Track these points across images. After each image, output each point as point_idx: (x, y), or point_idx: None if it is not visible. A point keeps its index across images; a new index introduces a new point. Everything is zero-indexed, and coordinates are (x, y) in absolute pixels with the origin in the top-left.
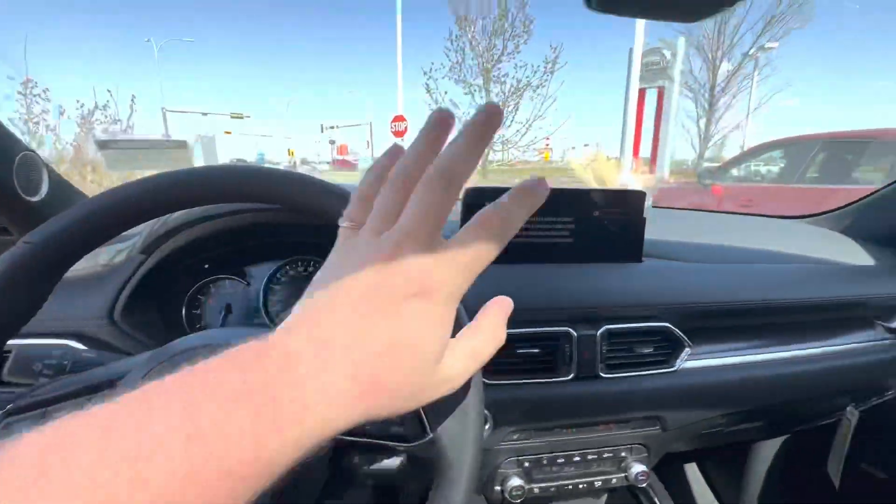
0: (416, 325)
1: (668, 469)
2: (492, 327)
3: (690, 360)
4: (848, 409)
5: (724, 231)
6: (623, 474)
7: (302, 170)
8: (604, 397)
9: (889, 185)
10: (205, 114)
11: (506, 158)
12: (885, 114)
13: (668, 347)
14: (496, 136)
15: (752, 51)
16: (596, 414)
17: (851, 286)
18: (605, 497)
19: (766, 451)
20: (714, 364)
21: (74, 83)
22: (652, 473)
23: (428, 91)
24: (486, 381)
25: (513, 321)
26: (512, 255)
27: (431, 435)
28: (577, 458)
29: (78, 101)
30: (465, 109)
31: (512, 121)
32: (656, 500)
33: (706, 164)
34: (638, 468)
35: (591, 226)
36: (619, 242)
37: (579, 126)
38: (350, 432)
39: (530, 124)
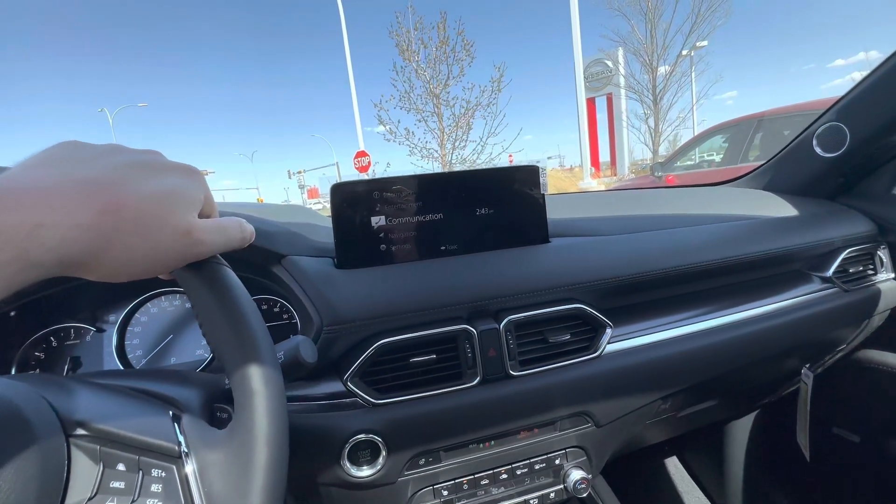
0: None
1: (648, 467)
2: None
3: (615, 342)
4: (803, 371)
5: (644, 204)
6: (561, 485)
7: None
8: (519, 398)
9: (801, 133)
10: None
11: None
12: (818, 93)
13: (588, 331)
14: (455, 156)
15: (684, 51)
16: (513, 419)
17: (778, 239)
18: None
19: (740, 432)
20: (643, 343)
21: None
22: (600, 478)
23: (381, 122)
24: (374, 400)
25: (402, 327)
26: (398, 254)
27: None
28: (504, 476)
29: None
30: (419, 136)
31: (467, 140)
32: None
33: (659, 160)
34: (576, 475)
35: (484, 210)
36: (520, 224)
37: (542, 141)
38: None
39: (484, 142)
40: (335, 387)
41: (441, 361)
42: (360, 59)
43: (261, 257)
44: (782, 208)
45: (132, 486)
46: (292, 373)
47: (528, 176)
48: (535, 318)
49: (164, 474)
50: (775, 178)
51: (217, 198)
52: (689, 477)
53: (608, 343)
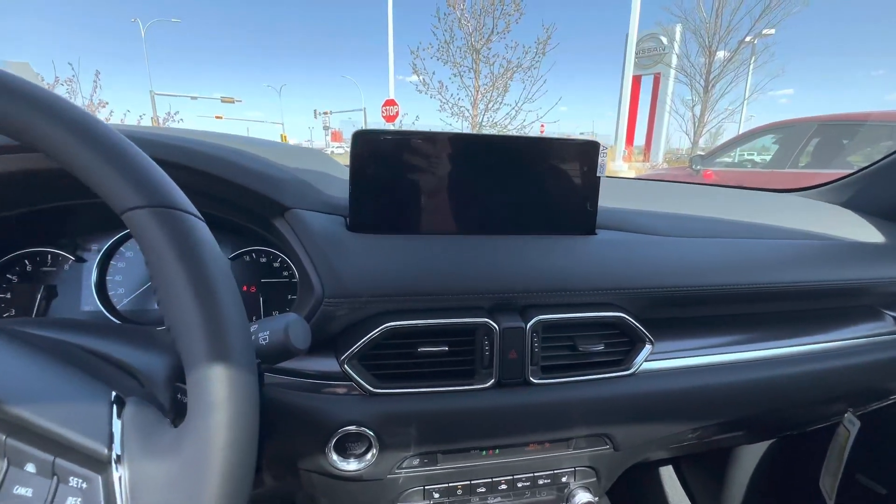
0: None
1: (639, 472)
2: None
3: (652, 361)
4: (847, 416)
5: (703, 202)
6: None
7: None
8: (536, 411)
9: None
10: (194, 97)
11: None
12: (883, 104)
13: (624, 344)
14: (487, 118)
15: (748, 37)
16: (525, 432)
17: (855, 267)
18: None
19: (748, 458)
20: (683, 365)
21: (59, 61)
22: (605, 499)
23: (415, 71)
24: (373, 388)
25: (414, 310)
26: (421, 224)
27: None
28: (503, 486)
29: (38, 75)
30: (453, 91)
31: (501, 103)
32: None
33: (699, 152)
34: (582, 498)
35: (528, 186)
36: (566, 208)
37: (576, 114)
38: None
39: (520, 106)
40: (329, 366)
41: (453, 355)
42: (402, 2)
43: (261, 206)
44: (866, 232)
45: (42, 496)
46: (277, 358)
47: (585, 153)
48: (567, 321)
49: (84, 486)
50: (861, 194)
51: (241, 129)
52: (682, 490)
53: (645, 361)
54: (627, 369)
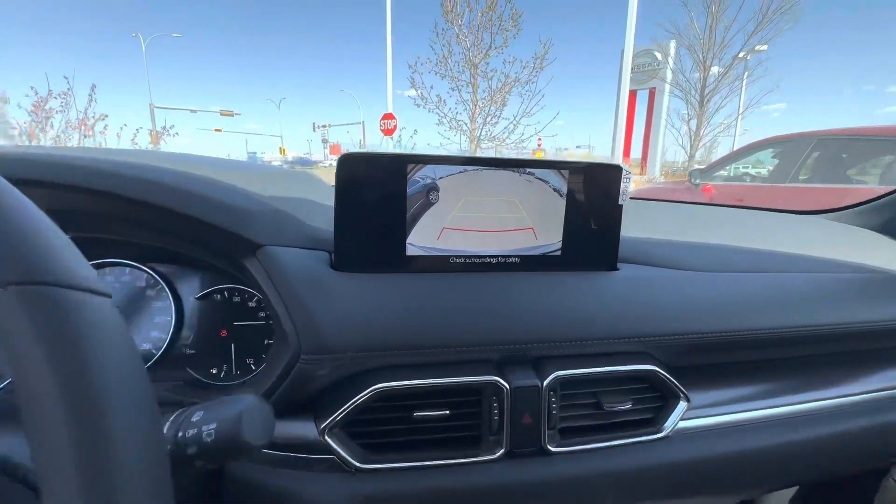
0: None
1: None
2: None
3: (687, 419)
4: (894, 469)
5: (723, 227)
6: None
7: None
8: (554, 487)
9: None
10: (194, 111)
11: (497, 156)
12: (874, 118)
13: (654, 400)
14: (485, 132)
15: (741, 53)
16: None
17: None
18: None
19: (773, 501)
20: (723, 422)
21: (57, 75)
22: None
23: (414, 86)
24: (359, 464)
25: (409, 366)
26: (418, 262)
27: None
28: None
29: (32, 88)
30: (451, 106)
31: (499, 117)
32: None
33: (697, 165)
34: None
35: (541, 216)
36: (584, 240)
37: (573, 128)
38: None
39: (518, 120)
40: (307, 432)
41: (455, 419)
42: (400, 15)
43: (229, 244)
44: None
45: None
46: (224, 457)
47: (605, 178)
48: (592, 377)
49: None
50: None
51: (240, 141)
52: None
53: (680, 420)
54: (660, 431)
